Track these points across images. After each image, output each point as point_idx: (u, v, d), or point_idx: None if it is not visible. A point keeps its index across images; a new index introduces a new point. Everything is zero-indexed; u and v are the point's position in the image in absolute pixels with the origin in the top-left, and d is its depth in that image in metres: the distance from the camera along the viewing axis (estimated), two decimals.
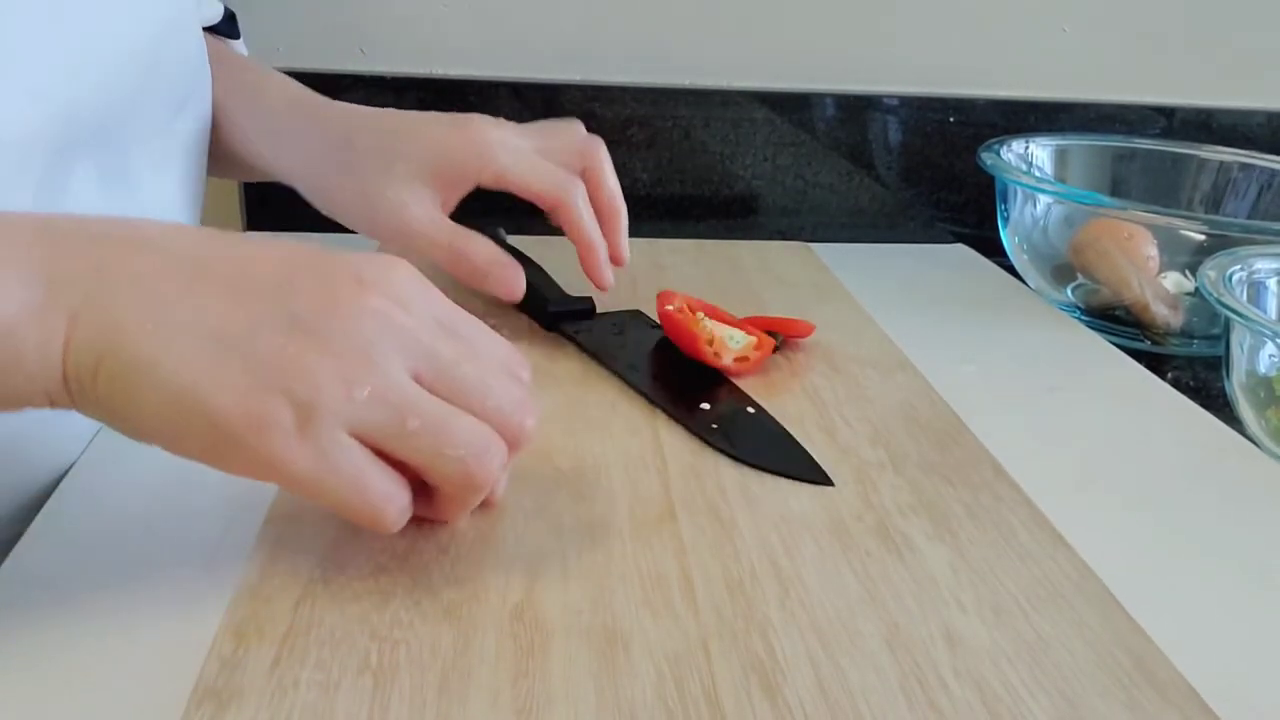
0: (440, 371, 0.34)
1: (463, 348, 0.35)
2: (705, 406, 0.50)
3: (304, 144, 0.55)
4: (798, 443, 0.48)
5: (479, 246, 0.52)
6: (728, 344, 0.53)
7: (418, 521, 0.38)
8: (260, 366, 0.31)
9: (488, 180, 0.52)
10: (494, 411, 0.35)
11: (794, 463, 0.46)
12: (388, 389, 0.33)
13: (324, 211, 0.55)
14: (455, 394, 0.34)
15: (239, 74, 0.58)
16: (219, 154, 0.58)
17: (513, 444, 0.36)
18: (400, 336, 0.33)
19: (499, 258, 0.53)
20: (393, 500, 0.34)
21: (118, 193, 0.47)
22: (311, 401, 0.31)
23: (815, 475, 0.45)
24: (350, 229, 0.55)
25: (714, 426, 0.48)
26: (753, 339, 0.54)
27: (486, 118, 0.54)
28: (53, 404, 0.32)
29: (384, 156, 0.52)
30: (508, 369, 0.37)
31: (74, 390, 0.31)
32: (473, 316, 0.37)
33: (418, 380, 0.34)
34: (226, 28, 0.62)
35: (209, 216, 0.84)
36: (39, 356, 0.31)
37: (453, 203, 0.53)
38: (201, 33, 0.55)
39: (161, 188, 0.51)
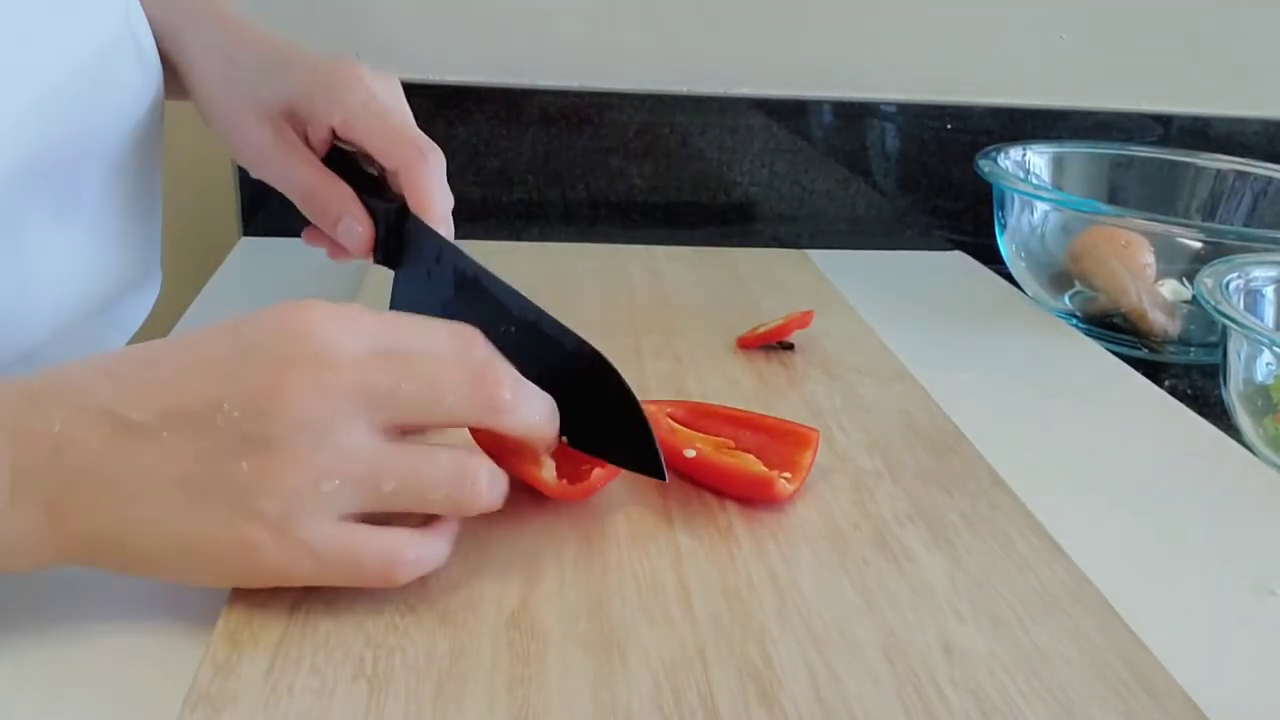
0: (393, 406, 0.34)
1: (401, 365, 0.34)
2: None
3: (199, 44, 0.52)
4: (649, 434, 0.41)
5: (334, 191, 0.49)
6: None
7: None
8: (229, 496, 0.32)
9: (336, 125, 0.49)
10: (456, 409, 0.35)
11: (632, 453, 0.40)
12: (352, 466, 0.33)
13: (205, 123, 0.53)
14: (414, 415, 0.34)
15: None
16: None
17: (493, 422, 0.35)
18: (342, 403, 0.33)
19: (351, 209, 0.49)
20: (397, 555, 0.34)
21: (72, 221, 0.46)
22: (285, 512, 0.32)
23: (650, 466, 0.40)
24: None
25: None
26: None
27: (370, 68, 0.51)
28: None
29: (254, 82, 0.50)
30: (455, 355, 0.36)
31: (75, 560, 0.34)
32: (394, 313, 0.36)
33: (376, 427, 0.34)
34: None
35: (205, 223, 0.84)
36: (28, 546, 0.33)
37: (315, 140, 0.50)
38: (149, 39, 0.51)
39: (113, 205, 0.50)
